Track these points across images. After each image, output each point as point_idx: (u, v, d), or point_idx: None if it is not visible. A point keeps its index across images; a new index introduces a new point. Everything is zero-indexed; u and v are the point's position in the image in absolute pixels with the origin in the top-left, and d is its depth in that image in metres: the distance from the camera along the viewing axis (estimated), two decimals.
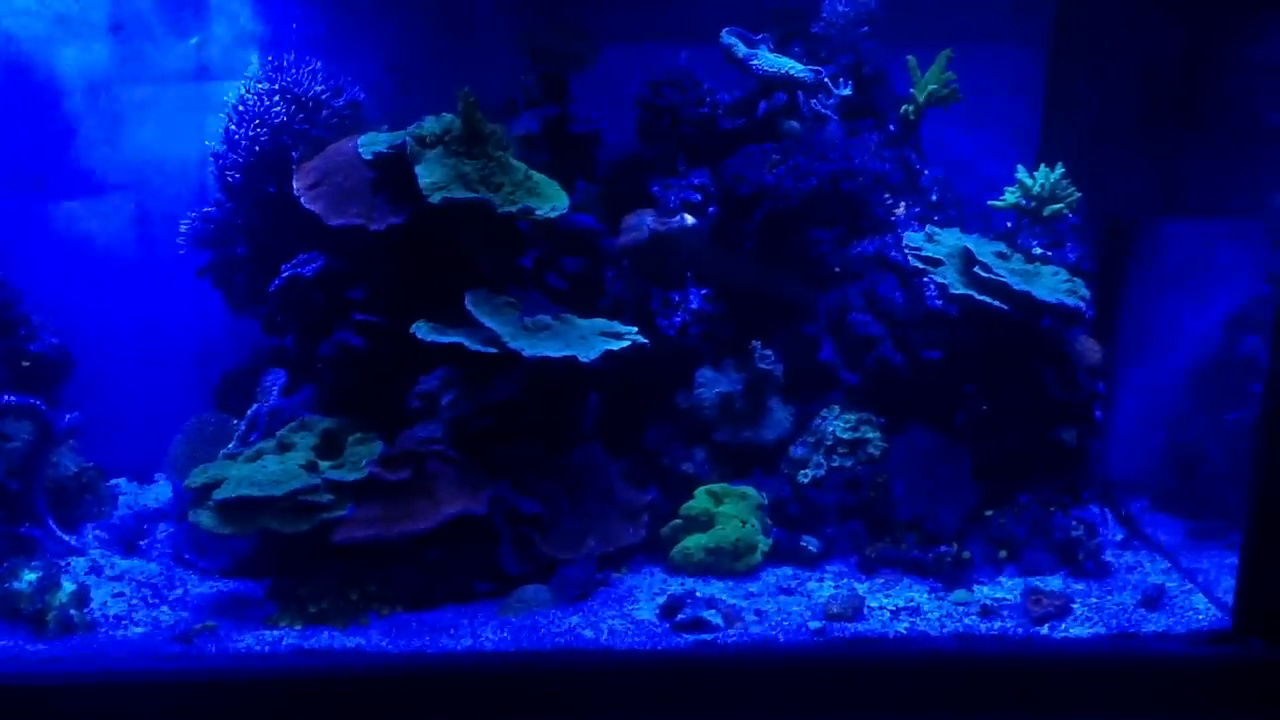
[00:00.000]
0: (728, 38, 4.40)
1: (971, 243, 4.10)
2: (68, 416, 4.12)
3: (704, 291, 4.27)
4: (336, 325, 3.93)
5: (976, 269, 3.97)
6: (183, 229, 4.33)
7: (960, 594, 3.77)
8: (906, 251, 4.13)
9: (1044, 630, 3.57)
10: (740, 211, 4.29)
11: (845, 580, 3.90)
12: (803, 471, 4.10)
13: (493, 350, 3.64)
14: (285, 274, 3.97)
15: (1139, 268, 4.61)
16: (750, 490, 4.04)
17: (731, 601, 3.68)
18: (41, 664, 3.29)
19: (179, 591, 3.74)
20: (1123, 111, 4.41)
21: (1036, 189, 4.22)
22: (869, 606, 3.66)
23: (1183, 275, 4.56)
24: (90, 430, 4.24)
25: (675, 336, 4.21)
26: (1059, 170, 4.23)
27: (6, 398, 3.94)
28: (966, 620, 3.62)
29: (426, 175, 3.73)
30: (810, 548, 3.99)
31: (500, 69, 4.35)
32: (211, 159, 4.25)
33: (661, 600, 3.66)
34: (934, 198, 4.46)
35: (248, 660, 3.33)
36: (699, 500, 3.99)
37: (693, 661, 3.41)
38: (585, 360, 3.64)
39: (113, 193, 4.48)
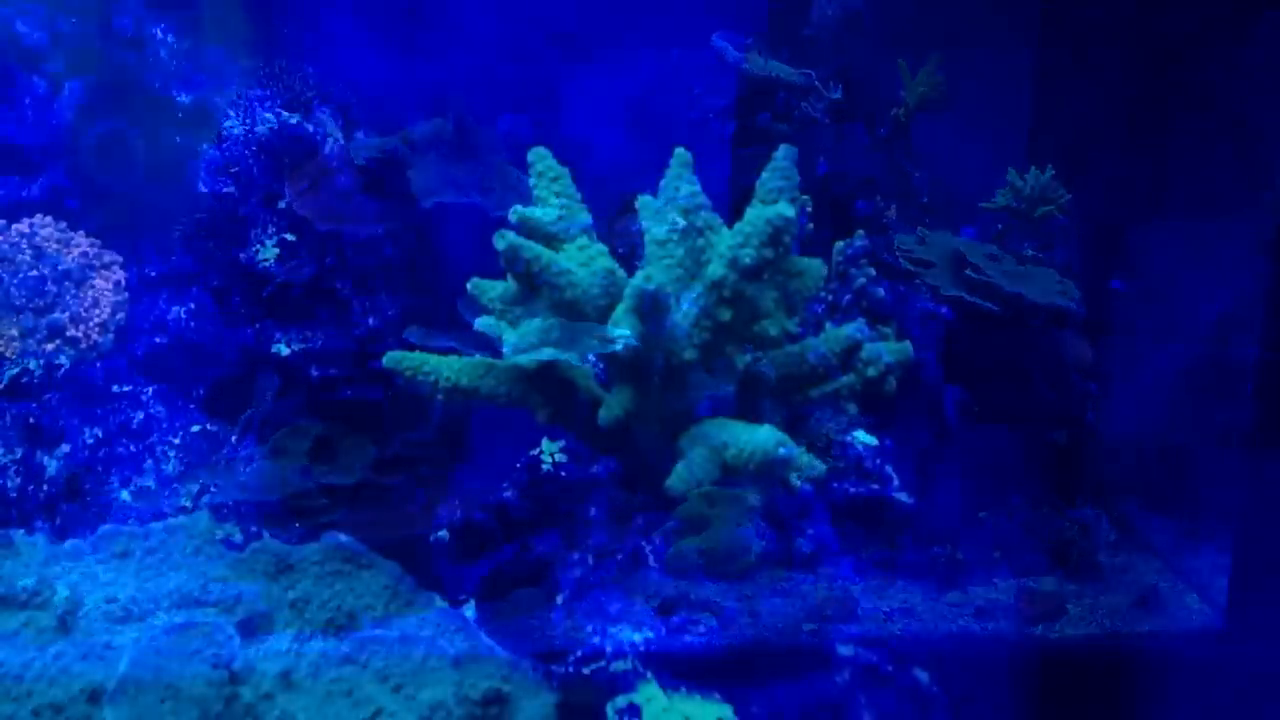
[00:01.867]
0: (719, 42, 4.40)
1: (962, 244, 4.11)
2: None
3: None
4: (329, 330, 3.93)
5: (968, 271, 3.98)
6: (175, 233, 4.32)
7: (954, 595, 3.78)
8: (898, 253, 4.14)
9: (1038, 631, 3.58)
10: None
11: (839, 582, 3.91)
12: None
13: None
14: (278, 279, 3.96)
15: (1128, 269, 4.62)
16: (744, 492, 4.03)
17: (725, 604, 3.68)
18: None
19: None
20: (1110, 113, 4.42)
21: (1027, 191, 4.24)
22: (863, 608, 3.67)
23: (1172, 276, 4.58)
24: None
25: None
26: (1049, 172, 4.24)
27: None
28: (960, 621, 3.63)
29: (419, 180, 3.73)
30: (804, 549, 3.99)
31: (491, 73, 4.36)
32: (204, 164, 4.24)
33: (655, 603, 3.66)
34: (925, 200, 4.47)
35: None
36: (693, 503, 3.98)
37: (686, 664, 3.41)
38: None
39: (104, 198, 4.47)
